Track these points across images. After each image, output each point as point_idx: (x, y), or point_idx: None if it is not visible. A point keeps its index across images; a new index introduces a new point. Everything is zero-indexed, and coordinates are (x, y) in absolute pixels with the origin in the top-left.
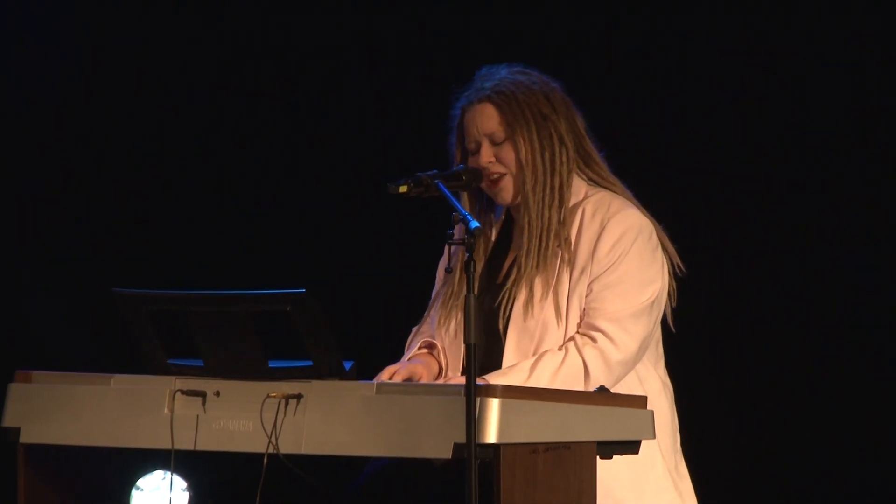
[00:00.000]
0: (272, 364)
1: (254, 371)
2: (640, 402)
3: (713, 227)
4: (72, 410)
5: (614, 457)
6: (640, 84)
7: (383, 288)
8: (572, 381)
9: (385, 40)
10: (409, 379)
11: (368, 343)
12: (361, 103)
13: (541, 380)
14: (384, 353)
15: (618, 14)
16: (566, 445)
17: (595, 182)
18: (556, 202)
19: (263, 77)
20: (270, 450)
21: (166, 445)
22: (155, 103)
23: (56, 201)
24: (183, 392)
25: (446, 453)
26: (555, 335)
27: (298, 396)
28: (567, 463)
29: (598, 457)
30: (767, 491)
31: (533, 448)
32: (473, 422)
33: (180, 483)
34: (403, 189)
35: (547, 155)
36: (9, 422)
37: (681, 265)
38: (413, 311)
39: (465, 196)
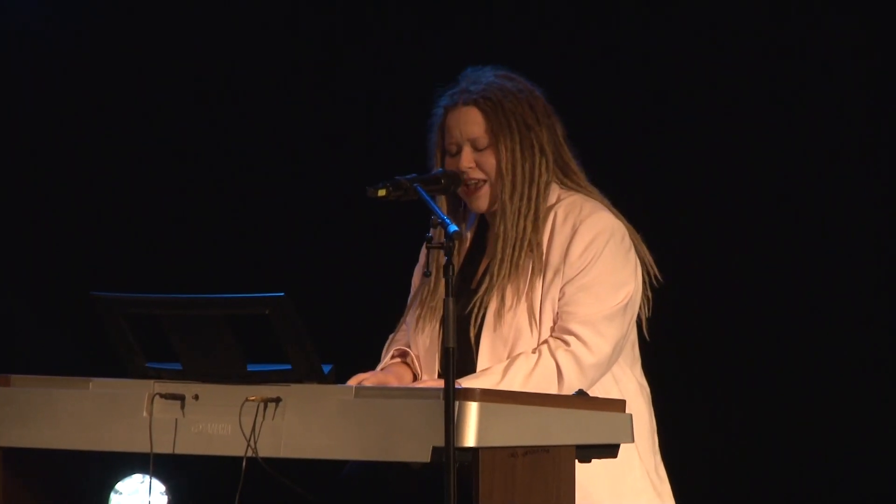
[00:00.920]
0: (251, 367)
1: (232, 374)
2: (618, 405)
3: (689, 230)
4: (50, 414)
5: (593, 460)
6: (617, 90)
7: (362, 291)
8: (545, 384)
9: (363, 45)
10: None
11: (347, 347)
12: (340, 107)
13: (513, 383)
14: (363, 357)
15: (596, 18)
16: (545, 449)
17: (571, 189)
18: (532, 212)
19: (243, 81)
20: (249, 453)
21: (145, 449)
22: (135, 106)
23: (34, 202)
24: (162, 395)
25: (425, 457)
26: (528, 339)
27: (277, 400)
28: (546, 466)
29: (576, 460)
30: (746, 492)
31: (512, 452)
32: (452, 425)
33: (159, 487)
34: (382, 193)
35: (527, 166)
36: None
37: (658, 275)
38: (391, 314)
39: (442, 199)
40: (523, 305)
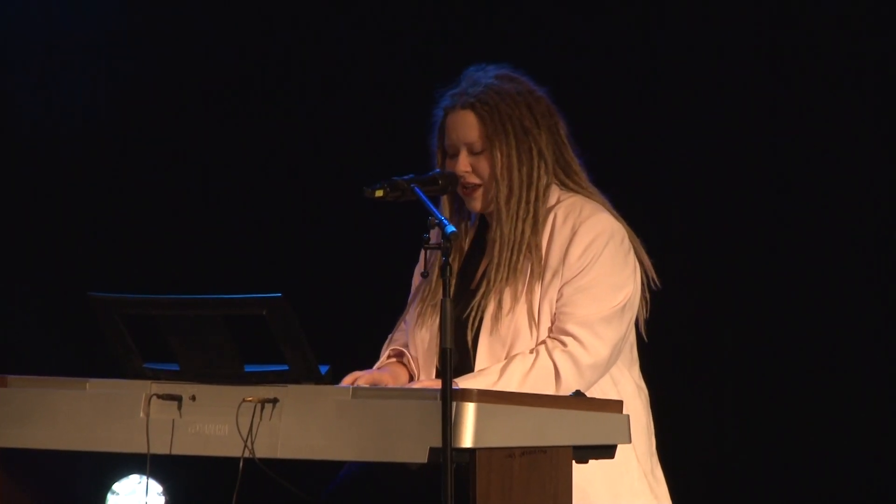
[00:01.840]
0: (248, 368)
1: (230, 375)
2: (616, 406)
3: (689, 231)
4: (47, 414)
5: (590, 461)
6: (616, 91)
7: (360, 292)
8: (543, 384)
9: (362, 45)
10: (372, 385)
11: (344, 347)
12: (338, 107)
13: (510, 383)
14: (360, 358)
15: (599, 17)
16: (542, 450)
17: (572, 190)
18: (531, 216)
19: (241, 81)
20: (246, 454)
21: (142, 450)
22: (133, 106)
23: (30, 203)
24: (158, 396)
25: (422, 457)
26: (527, 340)
27: (274, 401)
28: (543, 467)
29: (573, 461)
30: (743, 494)
31: (509, 452)
32: (449, 426)
33: (156, 487)
34: (380, 193)
35: (525, 169)
36: None
37: (656, 279)
38: (389, 315)
39: (443, 200)
40: (521, 307)
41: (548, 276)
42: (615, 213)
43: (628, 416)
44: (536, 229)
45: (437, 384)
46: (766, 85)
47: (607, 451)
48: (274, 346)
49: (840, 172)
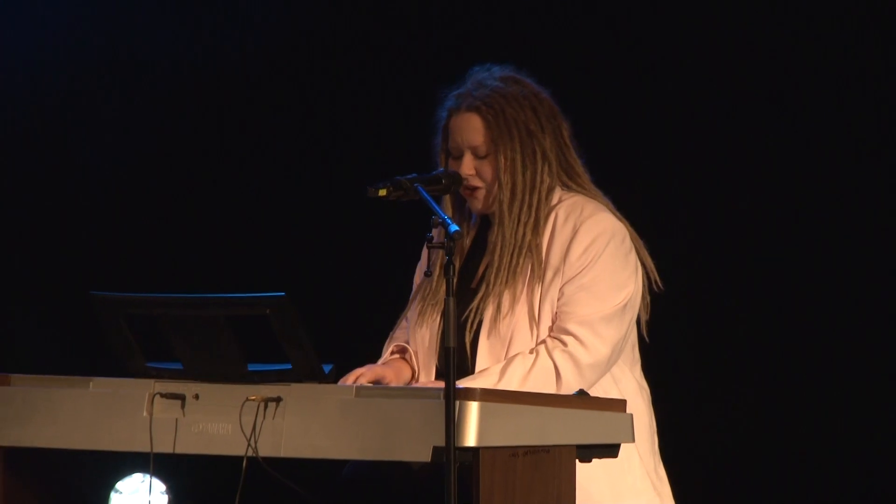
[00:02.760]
0: (251, 367)
1: (233, 374)
2: (619, 405)
3: (691, 232)
4: (50, 413)
5: (593, 460)
6: (618, 92)
7: (363, 291)
8: (543, 384)
9: (364, 44)
10: (375, 381)
11: (347, 346)
12: (341, 106)
13: (511, 384)
14: (363, 357)
15: (603, 16)
16: (545, 449)
17: (574, 192)
18: (532, 220)
19: (243, 80)
20: (249, 453)
21: (145, 448)
22: (134, 105)
23: (33, 202)
24: (162, 395)
25: (425, 457)
26: (527, 340)
27: (277, 399)
28: (546, 466)
29: (577, 460)
30: (745, 493)
31: (512, 451)
32: (452, 425)
33: (159, 486)
34: (383, 192)
35: (528, 173)
36: None
37: (658, 281)
38: (392, 314)
39: (446, 199)
40: (521, 308)
41: (548, 275)
42: (617, 213)
43: (631, 415)
44: (537, 231)
45: (440, 384)
46: (770, 87)
47: (611, 451)
48: (277, 345)
49: (844, 174)
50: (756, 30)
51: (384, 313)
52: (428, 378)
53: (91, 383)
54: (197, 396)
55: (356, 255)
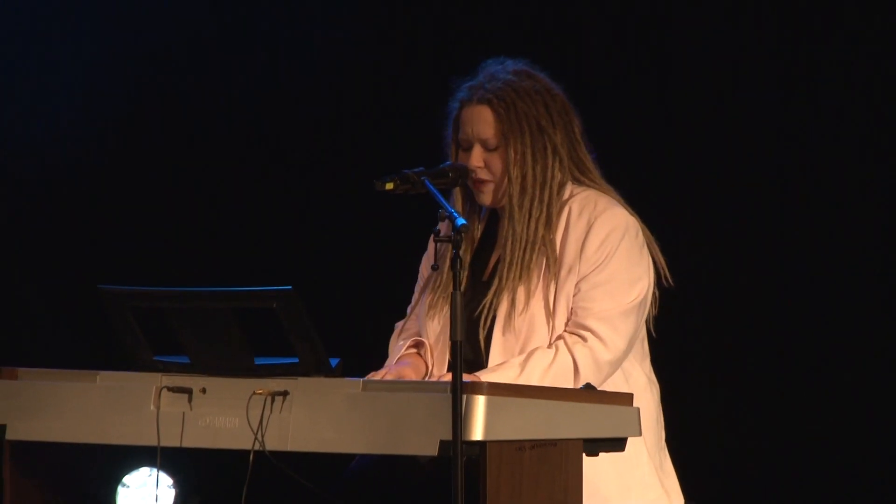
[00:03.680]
0: (258, 361)
1: (240, 368)
2: (626, 399)
3: (701, 228)
4: (58, 407)
5: (600, 454)
6: (629, 89)
7: (370, 285)
8: (562, 379)
9: (371, 38)
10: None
11: (354, 340)
12: (347, 100)
13: (531, 377)
14: (370, 351)
15: (612, 13)
16: (552, 442)
17: (585, 185)
18: (544, 215)
19: (249, 74)
20: (256, 447)
21: (152, 442)
22: (140, 101)
23: (41, 196)
24: (169, 389)
25: (432, 450)
26: (542, 335)
27: (284, 393)
28: (553, 460)
29: (584, 454)
30: (752, 488)
31: (519, 445)
32: (459, 419)
33: (166, 480)
34: (390, 186)
35: (539, 168)
36: None
37: (669, 277)
38: (398, 308)
39: (456, 192)
40: (537, 303)
41: (563, 271)
42: (629, 207)
43: (638, 408)
44: (550, 226)
45: (451, 377)
46: (779, 85)
47: (618, 444)
48: (284, 338)
49: (852, 171)
50: (764, 30)
51: (391, 307)
52: (440, 371)
53: (98, 377)
54: (204, 390)
55: (363, 248)
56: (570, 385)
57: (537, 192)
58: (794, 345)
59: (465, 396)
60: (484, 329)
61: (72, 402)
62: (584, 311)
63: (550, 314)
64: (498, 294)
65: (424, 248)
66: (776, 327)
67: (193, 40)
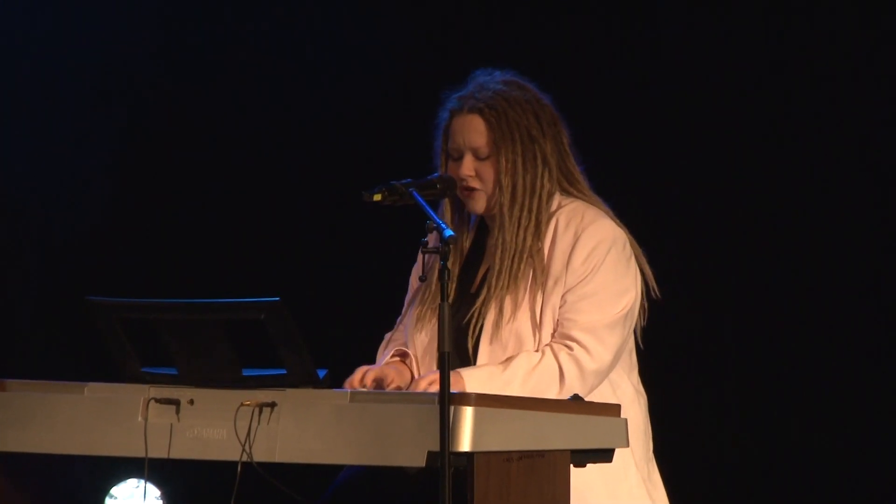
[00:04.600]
0: (246, 372)
1: (228, 379)
2: (613, 410)
3: (688, 238)
4: (46, 418)
5: (588, 465)
6: (614, 99)
7: (358, 296)
8: (547, 381)
9: (362, 47)
10: (379, 379)
11: (342, 351)
12: (337, 111)
13: (515, 376)
14: (358, 362)
15: (597, 24)
16: (540, 454)
17: (574, 198)
18: (533, 224)
19: (239, 85)
20: (244, 458)
21: (140, 454)
22: (131, 109)
23: (29, 207)
24: (157, 400)
25: (420, 461)
26: (529, 346)
27: (272, 405)
28: (541, 471)
29: (571, 465)
30: (740, 498)
31: (507, 456)
32: (447, 430)
33: (154, 491)
34: (378, 197)
35: (529, 177)
36: None
37: (656, 289)
38: (386, 319)
39: (446, 203)
40: (523, 314)
41: (550, 282)
42: (616, 219)
43: (626, 419)
44: (538, 236)
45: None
46: (764, 95)
47: (605, 455)
48: (272, 350)
49: (835, 182)
50: (751, 43)
51: (379, 318)
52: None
53: (86, 389)
54: (192, 401)
55: (351, 259)
56: (553, 390)
57: (527, 201)
58: (782, 356)
59: (452, 407)
60: (472, 338)
61: (60, 413)
62: (571, 322)
63: (537, 326)
64: (486, 303)
65: (413, 260)
66: (764, 339)
67: (183, 48)
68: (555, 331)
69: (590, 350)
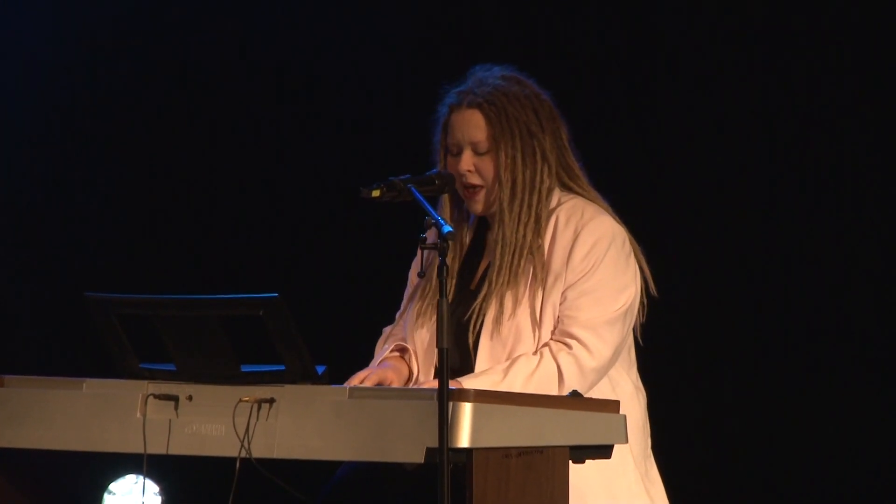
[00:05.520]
0: (244, 368)
1: (226, 375)
2: (612, 406)
3: (687, 235)
4: (44, 415)
5: (587, 461)
6: (613, 95)
7: (356, 292)
8: (546, 385)
9: (360, 45)
10: (379, 384)
11: (341, 347)
12: (335, 107)
13: (514, 384)
14: (356, 358)
15: (596, 20)
16: (539, 450)
17: (574, 193)
18: (532, 220)
19: (237, 80)
20: (243, 454)
21: (139, 450)
22: (128, 106)
23: (27, 203)
24: (155, 396)
25: (419, 458)
26: (529, 343)
27: (271, 401)
28: (540, 467)
29: (570, 461)
30: (739, 496)
31: (505, 452)
32: (446, 426)
33: (153, 487)
34: (376, 193)
35: (528, 172)
36: None
37: (653, 288)
38: (385, 315)
39: (445, 199)
40: (523, 310)
41: (550, 279)
42: (615, 216)
43: (625, 416)
44: (538, 232)
45: (436, 384)
46: (764, 94)
47: (604, 452)
48: (270, 346)
49: (835, 182)
50: (748, 31)
51: (378, 314)
52: (427, 378)
53: (84, 385)
54: (190, 398)
55: (350, 256)
56: (553, 392)
57: (526, 197)
58: (780, 353)
59: (451, 403)
60: (473, 334)
61: (58, 409)
62: (570, 319)
63: (537, 323)
64: (486, 299)
65: (411, 256)
66: (762, 336)
67: (176, 40)
68: (555, 328)
69: (589, 347)
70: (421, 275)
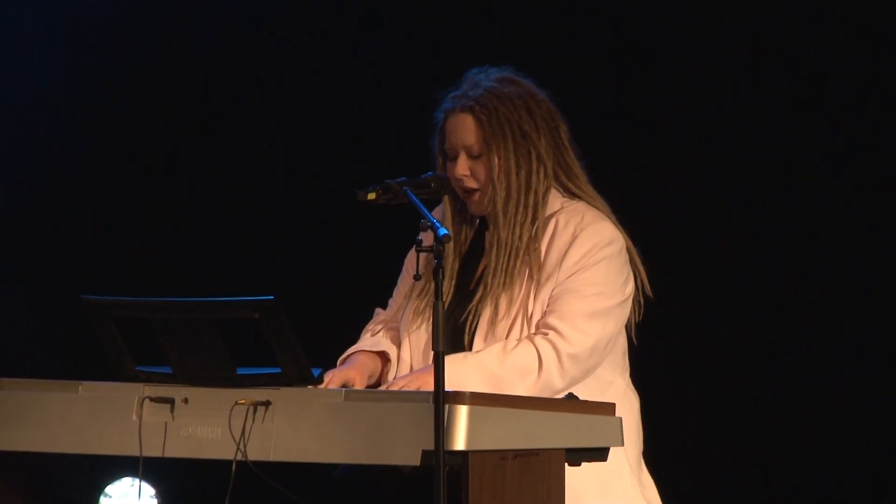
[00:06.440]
0: (240, 371)
1: (222, 378)
2: (608, 409)
3: (684, 237)
4: (40, 417)
5: (583, 464)
6: (613, 96)
7: (352, 295)
8: (523, 362)
9: (357, 47)
10: (343, 385)
11: (336, 350)
12: (331, 110)
13: (491, 352)
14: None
15: (595, 20)
16: (535, 452)
17: (573, 194)
18: (529, 220)
19: (234, 84)
20: (239, 457)
21: (134, 452)
22: (127, 109)
23: (24, 205)
24: (151, 399)
25: (415, 460)
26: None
27: (267, 403)
28: (536, 470)
29: (566, 464)
30: (732, 500)
31: (501, 455)
32: (442, 429)
33: (148, 490)
34: (372, 196)
35: (523, 173)
36: None
37: (650, 292)
38: None
39: (446, 201)
40: (518, 312)
41: (543, 278)
42: (616, 222)
43: (620, 418)
44: (535, 234)
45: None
46: (764, 94)
47: (600, 454)
48: (266, 348)
49: (835, 181)
50: (749, 32)
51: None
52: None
53: (80, 387)
54: (186, 400)
55: (346, 258)
56: (532, 374)
57: (522, 198)
58: (774, 357)
59: (447, 406)
60: (468, 335)
61: (54, 412)
62: (550, 312)
63: (529, 323)
64: (482, 301)
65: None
66: (756, 340)
67: (181, 45)
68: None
69: (564, 335)
70: (417, 277)
